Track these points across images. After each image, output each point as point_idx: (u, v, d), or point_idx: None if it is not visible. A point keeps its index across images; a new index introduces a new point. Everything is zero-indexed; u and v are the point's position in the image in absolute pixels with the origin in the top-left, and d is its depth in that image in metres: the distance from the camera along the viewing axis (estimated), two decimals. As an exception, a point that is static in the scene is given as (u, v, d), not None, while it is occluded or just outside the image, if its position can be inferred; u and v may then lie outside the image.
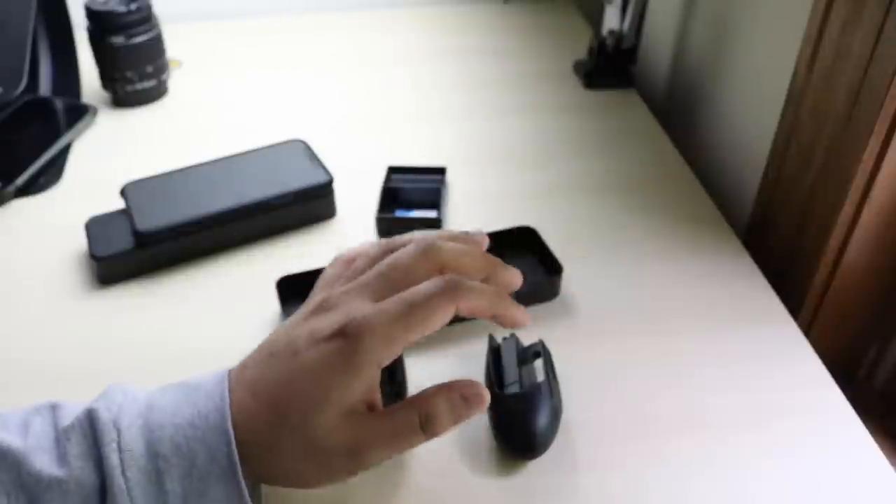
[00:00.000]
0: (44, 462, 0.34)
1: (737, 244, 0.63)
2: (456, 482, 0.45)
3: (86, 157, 0.75)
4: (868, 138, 0.51)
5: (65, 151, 0.75)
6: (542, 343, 0.50)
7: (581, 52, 0.91)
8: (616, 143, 0.76)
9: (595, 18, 0.83)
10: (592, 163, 0.73)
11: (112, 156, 0.75)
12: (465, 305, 0.36)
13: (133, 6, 0.77)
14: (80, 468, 0.34)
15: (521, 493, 0.45)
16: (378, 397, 0.37)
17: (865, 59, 0.50)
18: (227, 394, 0.35)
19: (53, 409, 0.37)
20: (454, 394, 0.36)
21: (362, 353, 0.34)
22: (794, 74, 0.58)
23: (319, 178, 0.64)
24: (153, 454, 0.34)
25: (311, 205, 0.64)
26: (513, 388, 0.47)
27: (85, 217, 0.62)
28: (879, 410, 0.59)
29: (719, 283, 0.59)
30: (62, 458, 0.34)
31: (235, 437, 0.34)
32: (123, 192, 0.62)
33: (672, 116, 0.83)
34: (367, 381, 0.35)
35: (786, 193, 0.61)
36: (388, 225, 0.64)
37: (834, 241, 0.56)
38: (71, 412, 0.36)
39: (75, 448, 0.34)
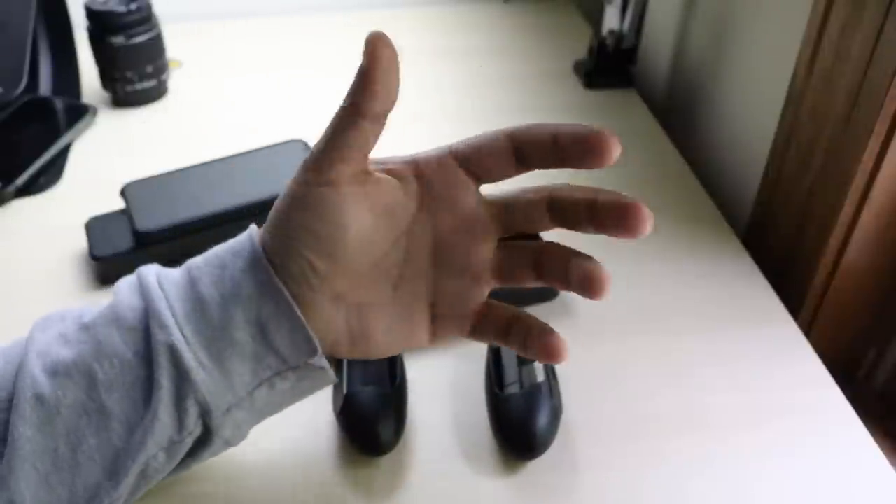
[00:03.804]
0: (99, 310, 0.36)
1: (737, 244, 0.63)
2: (456, 482, 0.45)
3: (86, 157, 0.75)
4: (867, 139, 0.51)
5: (65, 151, 0.75)
6: (542, 343, 0.50)
7: (581, 52, 0.91)
8: (616, 143, 0.76)
9: (595, 18, 0.83)
10: (592, 163, 0.72)
11: (112, 156, 0.75)
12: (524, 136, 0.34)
13: (133, 6, 0.77)
14: (127, 297, 0.35)
15: (521, 493, 0.45)
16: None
17: (865, 60, 0.50)
18: (253, 226, 0.36)
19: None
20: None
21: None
22: (794, 75, 0.58)
23: (319, 178, 0.64)
24: (186, 270, 0.36)
25: (311, 205, 0.64)
26: (513, 388, 0.47)
27: (85, 217, 0.62)
28: (879, 410, 0.59)
29: (719, 283, 0.59)
30: (115, 300, 0.36)
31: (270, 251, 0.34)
32: (123, 192, 0.62)
33: (672, 116, 0.83)
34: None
35: (786, 193, 0.61)
36: (388, 225, 0.64)
37: (834, 242, 0.56)
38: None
39: (124, 289, 0.36)
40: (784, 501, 0.44)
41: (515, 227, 0.36)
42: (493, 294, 0.38)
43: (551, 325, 0.37)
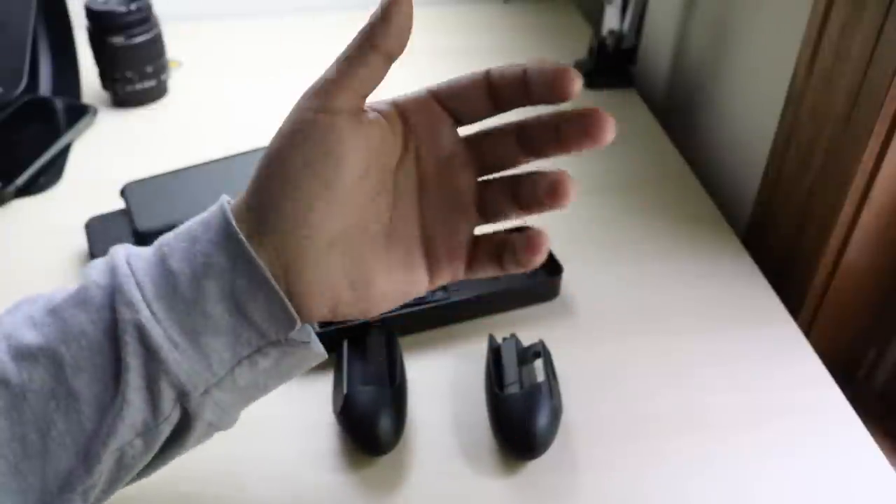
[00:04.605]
0: (67, 291, 0.34)
1: (737, 244, 0.63)
2: (456, 482, 0.45)
3: (86, 157, 0.75)
4: (867, 139, 0.51)
5: (65, 151, 0.75)
6: (542, 343, 0.50)
7: (581, 52, 0.91)
8: (616, 143, 0.75)
9: (595, 18, 0.83)
10: (592, 163, 0.72)
11: (112, 156, 0.75)
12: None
13: (133, 6, 0.77)
14: (96, 276, 0.34)
15: (521, 493, 0.45)
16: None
17: (865, 60, 0.50)
18: (226, 196, 0.35)
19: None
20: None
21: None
22: (794, 75, 0.58)
23: (319, 178, 0.64)
24: (156, 248, 0.34)
25: (311, 205, 0.64)
26: (513, 389, 0.47)
27: (85, 217, 0.62)
28: (879, 410, 0.59)
29: (719, 283, 0.59)
30: (83, 285, 0.34)
31: (242, 221, 0.33)
32: (123, 192, 0.62)
33: (672, 116, 0.83)
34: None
35: (786, 193, 0.61)
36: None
37: (834, 242, 0.56)
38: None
39: (94, 267, 0.35)
40: (784, 501, 0.44)
41: (489, 161, 0.37)
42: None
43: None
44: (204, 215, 0.35)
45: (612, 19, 0.81)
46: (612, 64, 0.84)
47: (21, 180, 0.69)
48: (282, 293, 0.33)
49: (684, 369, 0.52)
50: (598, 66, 0.84)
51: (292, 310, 0.33)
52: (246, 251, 0.33)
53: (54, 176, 0.72)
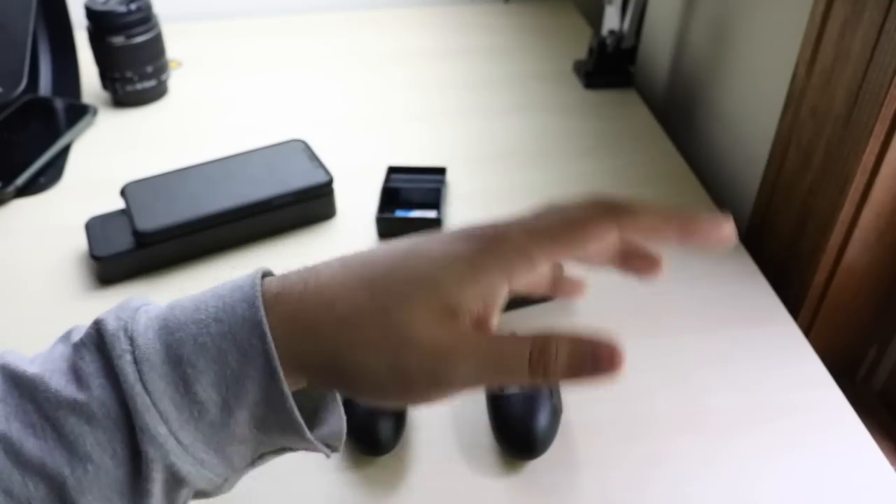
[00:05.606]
0: (60, 384, 0.29)
1: (737, 244, 0.63)
2: (456, 482, 0.45)
3: (86, 157, 0.75)
4: (867, 139, 0.51)
5: (65, 151, 0.75)
6: (542, 343, 0.50)
7: (581, 52, 0.91)
8: (616, 143, 0.76)
9: (595, 18, 0.83)
10: (592, 163, 0.73)
11: (112, 156, 0.75)
12: (631, 224, 0.31)
13: (133, 6, 0.77)
14: (99, 387, 0.29)
15: (521, 493, 0.45)
16: (492, 324, 0.31)
17: (865, 60, 0.50)
18: (258, 280, 0.30)
19: (69, 333, 0.32)
20: (583, 344, 0.29)
21: (492, 253, 0.29)
22: (794, 75, 0.58)
23: (319, 178, 0.64)
24: (175, 361, 0.29)
25: (310, 205, 0.64)
26: (513, 388, 0.47)
27: (85, 217, 0.62)
28: (879, 410, 0.59)
29: (719, 283, 0.59)
30: (79, 378, 0.29)
31: (278, 327, 0.29)
32: (123, 192, 0.62)
33: (672, 116, 0.83)
34: (487, 290, 0.29)
35: (786, 193, 0.61)
36: (387, 225, 0.64)
37: (834, 241, 0.56)
38: (83, 329, 0.31)
39: (89, 366, 0.29)
40: (784, 501, 0.44)
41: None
42: None
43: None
44: (234, 327, 0.29)
45: (612, 19, 0.81)
46: (612, 64, 0.84)
47: (21, 180, 0.69)
48: (316, 442, 0.31)
49: (684, 369, 0.52)
50: (598, 66, 0.84)
51: (324, 447, 0.32)
52: (288, 405, 0.29)
53: (54, 176, 0.72)
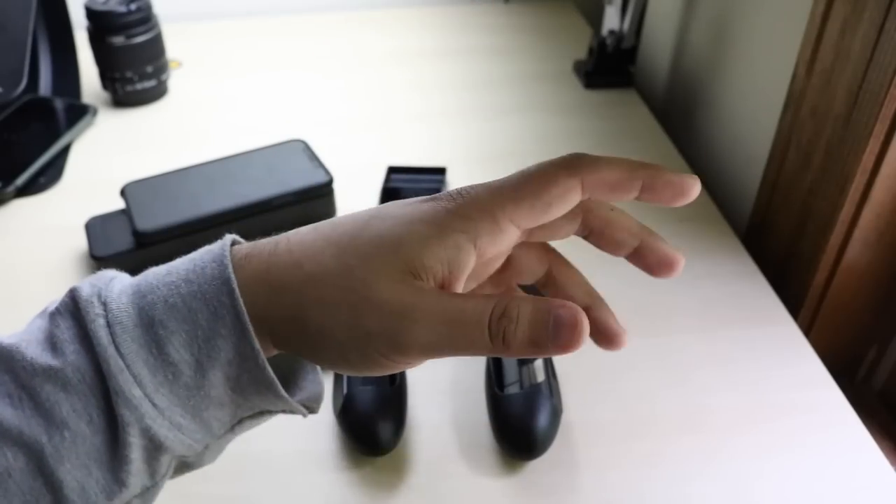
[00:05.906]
0: (36, 352, 0.30)
1: (737, 244, 0.63)
2: (456, 482, 0.45)
3: (86, 157, 0.75)
4: (868, 139, 0.51)
5: (65, 151, 0.75)
6: (542, 343, 0.50)
7: (581, 52, 0.91)
8: (616, 143, 0.76)
9: (595, 18, 0.83)
10: (592, 163, 0.72)
11: (112, 156, 0.75)
12: (591, 177, 0.30)
13: (133, 6, 0.77)
14: (73, 352, 0.29)
15: (521, 493, 0.45)
16: (458, 287, 0.30)
17: (865, 60, 0.50)
18: (227, 243, 0.31)
19: (46, 307, 0.32)
20: (546, 310, 0.28)
21: (456, 213, 0.29)
22: (794, 75, 0.58)
23: (319, 178, 0.64)
24: (147, 323, 0.29)
25: (311, 205, 0.64)
26: (513, 388, 0.47)
27: (85, 217, 0.62)
28: (879, 410, 0.59)
29: (719, 283, 0.59)
30: (54, 345, 0.30)
31: (247, 285, 0.29)
32: (123, 192, 0.62)
33: (672, 116, 0.83)
34: (453, 251, 0.29)
35: (786, 193, 0.61)
36: (388, 225, 0.64)
37: (834, 241, 0.56)
38: (59, 300, 0.32)
39: (64, 332, 0.30)
40: (784, 501, 0.44)
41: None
42: None
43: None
44: (203, 286, 0.29)
45: (612, 19, 0.81)
46: (611, 64, 0.84)
47: (21, 180, 0.69)
48: (291, 401, 0.31)
49: (684, 369, 0.52)
50: (597, 66, 0.84)
51: (301, 408, 0.32)
52: (260, 362, 0.29)
53: (54, 176, 0.72)
